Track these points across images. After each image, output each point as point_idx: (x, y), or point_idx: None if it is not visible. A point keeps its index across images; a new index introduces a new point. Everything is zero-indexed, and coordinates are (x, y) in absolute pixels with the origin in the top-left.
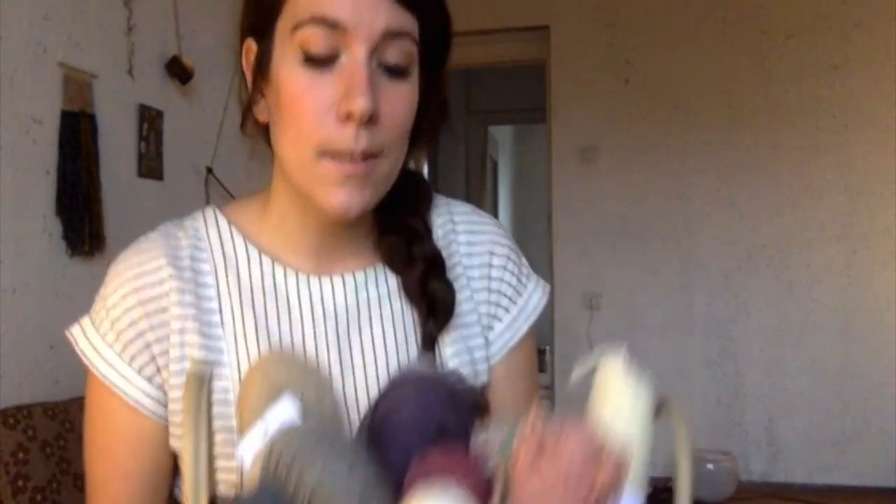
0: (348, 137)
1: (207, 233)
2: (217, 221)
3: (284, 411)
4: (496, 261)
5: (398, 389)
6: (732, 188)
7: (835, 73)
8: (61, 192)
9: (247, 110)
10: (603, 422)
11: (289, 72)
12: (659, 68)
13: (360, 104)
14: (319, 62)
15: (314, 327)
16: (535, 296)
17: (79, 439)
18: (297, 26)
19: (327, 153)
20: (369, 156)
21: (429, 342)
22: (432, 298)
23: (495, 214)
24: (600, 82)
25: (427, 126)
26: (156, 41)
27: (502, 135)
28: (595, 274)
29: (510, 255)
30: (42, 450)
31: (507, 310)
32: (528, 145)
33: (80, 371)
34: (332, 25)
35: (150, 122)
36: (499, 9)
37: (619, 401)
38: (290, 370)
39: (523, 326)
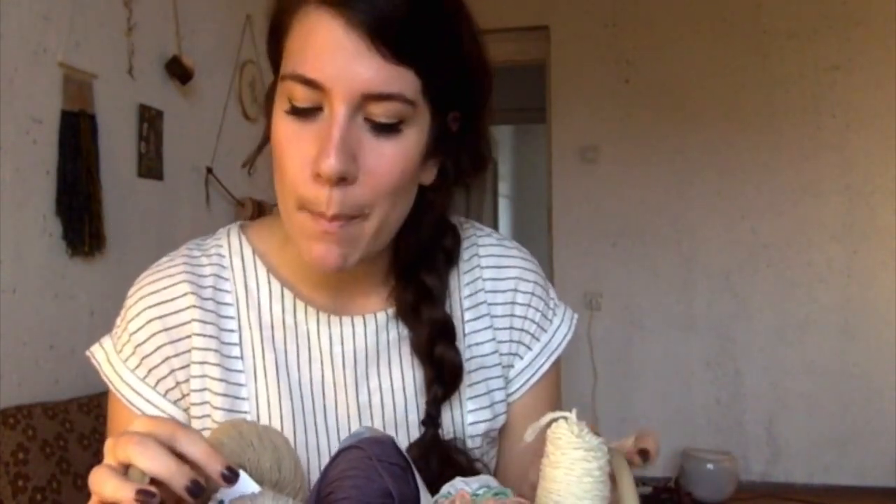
0: (321, 198)
1: (231, 262)
2: (241, 249)
3: (238, 485)
4: (520, 297)
5: (346, 455)
6: (732, 188)
7: (835, 73)
8: (61, 192)
9: (263, 144)
10: (557, 479)
11: (278, 117)
12: (659, 68)
13: (328, 165)
14: (302, 114)
15: (332, 367)
16: (560, 331)
17: (79, 439)
18: (283, 77)
19: (304, 208)
20: (345, 217)
21: (433, 404)
22: (440, 362)
23: (495, 214)
24: (600, 82)
25: (458, 175)
26: (156, 41)
27: (502, 135)
28: (595, 274)
29: (535, 290)
30: (42, 450)
31: (529, 347)
32: (528, 145)
33: (79, 371)
34: (311, 84)
35: (150, 122)
36: (499, 9)
37: (572, 456)
38: (243, 439)
39: (545, 364)
